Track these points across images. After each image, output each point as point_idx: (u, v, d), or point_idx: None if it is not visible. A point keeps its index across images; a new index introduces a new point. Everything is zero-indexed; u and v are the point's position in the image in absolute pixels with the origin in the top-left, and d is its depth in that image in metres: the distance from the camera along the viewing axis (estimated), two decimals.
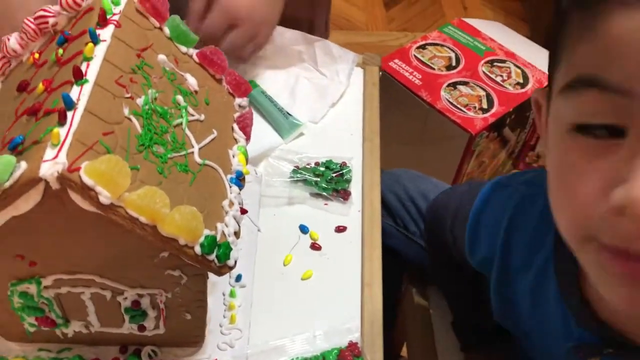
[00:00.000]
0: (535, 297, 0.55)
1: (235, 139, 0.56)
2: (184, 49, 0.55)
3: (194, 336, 0.55)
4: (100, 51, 0.46)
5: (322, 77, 0.82)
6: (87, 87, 0.43)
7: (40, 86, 0.45)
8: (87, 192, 0.39)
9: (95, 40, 0.46)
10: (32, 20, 0.53)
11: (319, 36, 0.84)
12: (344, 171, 0.72)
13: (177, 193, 0.45)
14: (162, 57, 0.51)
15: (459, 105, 1.18)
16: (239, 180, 0.53)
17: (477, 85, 1.22)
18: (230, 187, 0.51)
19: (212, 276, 0.51)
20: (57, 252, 0.45)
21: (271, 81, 0.80)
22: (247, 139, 0.57)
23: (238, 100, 0.58)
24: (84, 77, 0.44)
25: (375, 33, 1.97)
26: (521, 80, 1.23)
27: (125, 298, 0.49)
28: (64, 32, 0.50)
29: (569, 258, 0.44)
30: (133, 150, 0.44)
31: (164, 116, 0.48)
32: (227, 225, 0.48)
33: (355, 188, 0.71)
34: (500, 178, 0.62)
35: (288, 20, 0.80)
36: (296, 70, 0.83)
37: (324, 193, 0.70)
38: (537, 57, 1.27)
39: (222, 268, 0.46)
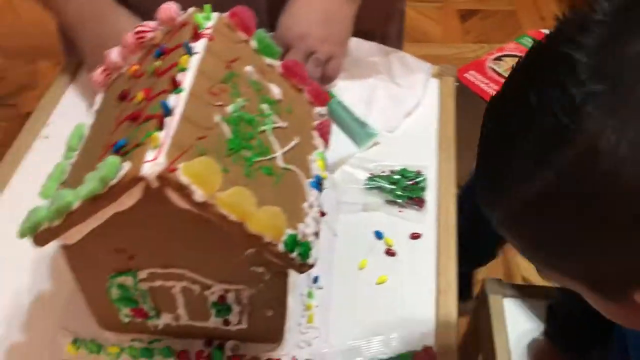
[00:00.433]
0: None
1: (315, 146, 0.58)
2: (268, 60, 0.58)
3: (274, 333, 0.58)
4: (194, 62, 0.50)
5: (397, 87, 0.84)
6: (183, 96, 0.47)
7: (140, 95, 0.50)
8: (183, 190, 0.43)
9: (189, 52, 0.50)
10: (132, 35, 0.57)
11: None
12: (419, 179, 0.73)
13: (262, 194, 0.47)
14: (249, 68, 0.55)
15: None
16: (318, 184, 0.55)
17: None
18: (310, 190, 0.54)
19: (291, 277, 0.53)
20: (153, 247, 0.49)
21: (348, 91, 0.83)
22: (326, 145, 0.60)
23: (317, 109, 0.61)
24: (180, 87, 0.47)
25: (450, 45, 1.97)
26: None
27: (213, 292, 0.53)
28: (161, 45, 0.54)
29: None
30: (223, 153, 0.47)
31: (250, 123, 0.52)
32: (307, 226, 0.51)
33: (430, 196, 0.72)
34: None
35: (361, 33, 0.82)
36: (372, 80, 0.85)
37: (399, 200, 0.71)
38: None
39: (303, 266, 0.49)
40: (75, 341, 0.59)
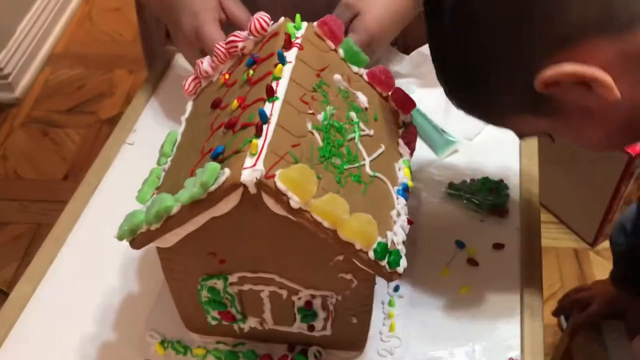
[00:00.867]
0: None
1: (401, 153, 0.58)
2: (355, 68, 0.59)
3: (357, 340, 0.58)
4: (287, 71, 0.51)
5: None
6: (278, 104, 0.48)
7: (235, 103, 0.51)
8: (280, 196, 0.43)
9: (283, 61, 0.51)
10: (223, 45, 0.59)
11: None
12: (501, 188, 0.72)
13: (352, 201, 0.48)
14: (337, 76, 0.56)
15: None
16: (405, 192, 0.55)
17: None
18: (397, 198, 0.54)
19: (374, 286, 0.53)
20: (244, 252, 0.50)
21: (426, 99, 0.82)
22: (411, 153, 0.59)
23: (402, 117, 0.61)
24: (275, 95, 0.49)
25: None
26: None
27: (300, 298, 0.53)
28: (253, 54, 0.56)
29: None
30: (316, 161, 0.48)
31: (340, 131, 0.52)
32: (395, 234, 0.51)
33: (512, 206, 0.71)
34: None
35: None
36: None
37: (480, 210, 0.70)
38: None
39: (393, 274, 0.48)
40: (162, 342, 0.60)
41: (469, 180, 0.73)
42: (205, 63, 0.60)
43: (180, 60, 0.91)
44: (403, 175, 0.56)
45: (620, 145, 0.55)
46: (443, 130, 0.78)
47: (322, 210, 0.44)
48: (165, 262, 0.53)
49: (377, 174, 0.53)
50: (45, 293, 0.66)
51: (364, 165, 0.53)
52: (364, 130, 0.55)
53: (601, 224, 1.33)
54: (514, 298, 0.63)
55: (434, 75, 0.84)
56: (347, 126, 0.53)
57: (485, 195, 0.71)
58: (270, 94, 0.48)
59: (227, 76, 0.58)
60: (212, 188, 0.44)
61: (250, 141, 0.45)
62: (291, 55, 0.53)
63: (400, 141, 0.59)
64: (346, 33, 0.70)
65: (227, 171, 0.44)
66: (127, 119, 0.85)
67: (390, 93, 0.61)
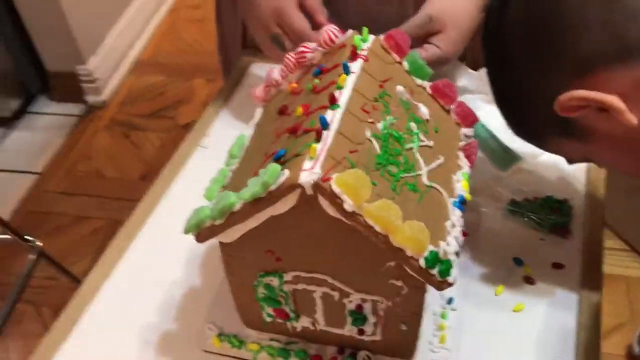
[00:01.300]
0: None
1: (460, 166, 0.59)
2: (419, 81, 0.60)
3: (406, 348, 0.59)
4: (350, 81, 0.53)
5: None
6: (339, 112, 0.50)
7: (299, 109, 0.54)
8: (335, 199, 0.45)
9: (347, 71, 0.53)
10: (292, 55, 0.62)
11: None
12: (565, 208, 0.71)
13: (406, 209, 0.49)
14: (400, 88, 0.57)
15: None
16: (461, 204, 0.56)
17: None
18: (453, 210, 0.55)
19: (426, 295, 0.54)
20: (300, 251, 0.52)
21: (492, 115, 0.82)
22: (471, 166, 0.60)
23: (464, 130, 0.62)
24: (336, 103, 0.51)
25: None
26: None
27: (351, 301, 0.55)
28: (320, 65, 0.58)
29: None
30: (372, 167, 0.50)
31: (398, 140, 0.53)
32: (448, 245, 0.51)
33: (575, 227, 0.70)
34: None
35: None
36: None
37: (541, 228, 0.70)
38: None
39: (443, 283, 0.49)
40: (220, 335, 0.63)
41: (532, 198, 0.73)
42: (276, 72, 0.63)
43: (254, 69, 0.95)
44: (461, 187, 0.57)
45: None
46: (508, 147, 0.78)
47: (375, 215, 0.46)
48: (226, 257, 0.56)
49: (434, 184, 0.54)
50: (114, 284, 0.70)
51: (421, 174, 0.54)
52: (423, 141, 0.56)
53: None
54: (570, 320, 0.62)
55: None
56: (406, 136, 0.55)
57: (547, 213, 0.70)
58: (333, 102, 0.51)
59: (294, 85, 0.60)
60: (272, 187, 0.47)
61: (310, 145, 0.47)
62: (355, 66, 0.55)
63: (460, 154, 0.60)
64: (422, 43, 0.71)
65: (286, 172, 0.46)
66: (202, 123, 0.89)
67: (452, 106, 0.62)
